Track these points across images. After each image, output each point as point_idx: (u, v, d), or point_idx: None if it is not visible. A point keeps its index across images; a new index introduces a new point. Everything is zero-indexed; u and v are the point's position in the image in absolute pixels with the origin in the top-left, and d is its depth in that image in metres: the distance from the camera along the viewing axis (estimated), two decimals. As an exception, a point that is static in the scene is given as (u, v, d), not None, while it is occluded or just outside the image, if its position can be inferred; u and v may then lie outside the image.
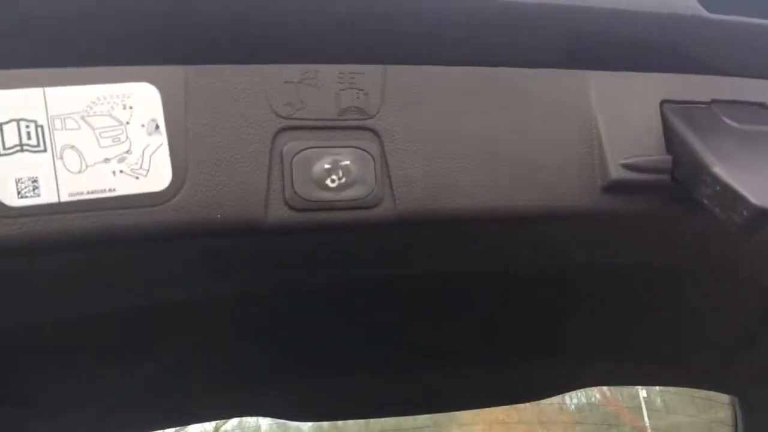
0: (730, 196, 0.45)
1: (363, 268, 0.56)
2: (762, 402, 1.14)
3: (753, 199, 0.44)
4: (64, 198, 0.39)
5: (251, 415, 1.00)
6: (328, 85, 0.44)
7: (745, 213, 0.45)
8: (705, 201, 0.47)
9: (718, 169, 0.46)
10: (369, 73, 0.45)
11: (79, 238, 0.38)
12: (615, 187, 0.48)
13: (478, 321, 0.88)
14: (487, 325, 0.90)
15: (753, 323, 0.95)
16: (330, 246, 0.48)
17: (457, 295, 0.79)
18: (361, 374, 0.93)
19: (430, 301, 0.79)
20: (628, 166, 0.48)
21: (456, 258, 0.56)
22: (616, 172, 0.48)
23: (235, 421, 7.96)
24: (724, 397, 1.31)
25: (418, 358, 0.92)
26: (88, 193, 0.39)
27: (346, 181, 0.44)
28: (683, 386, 1.13)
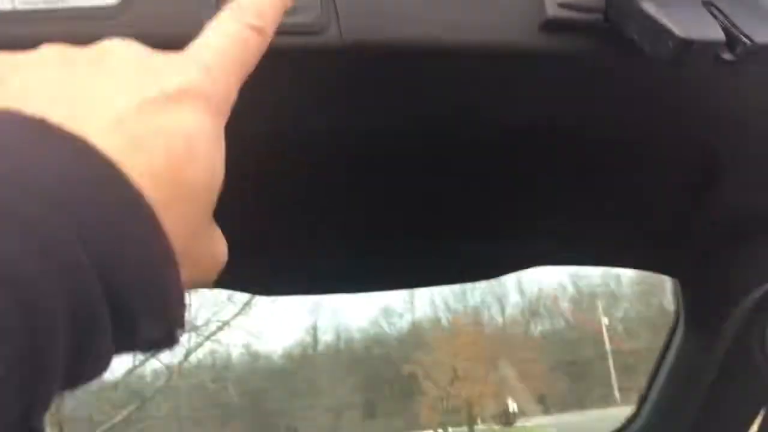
0: (657, 30, 0.49)
1: (310, 112, 0.58)
2: (703, 283, 1.20)
3: (677, 31, 0.48)
4: (19, 6, 0.40)
5: (230, 289, 1.03)
6: None
7: (670, 44, 0.48)
8: (635, 37, 0.50)
9: (647, 5, 0.49)
10: None
11: (34, 45, 0.39)
12: (551, 25, 0.51)
13: (419, 192, 0.90)
14: (429, 198, 0.92)
15: (692, 199, 0.99)
16: (277, 80, 0.50)
17: (399, 161, 0.81)
18: (303, 249, 0.96)
19: (373, 168, 0.81)
20: (563, 5, 0.51)
21: (402, 101, 0.58)
22: (552, 10, 0.51)
23: (206, 348, 8.05)
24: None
25: (360, 233, 0.94)
26: (42, 3, 0.40)
27: (292, 7, 0.46)
28: (624, 267, 1.18)
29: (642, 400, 1.48)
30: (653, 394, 1.45)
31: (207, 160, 0.24)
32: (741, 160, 0.95)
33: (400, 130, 0.70)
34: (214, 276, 0.27)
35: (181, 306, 0.23)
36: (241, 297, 7.75)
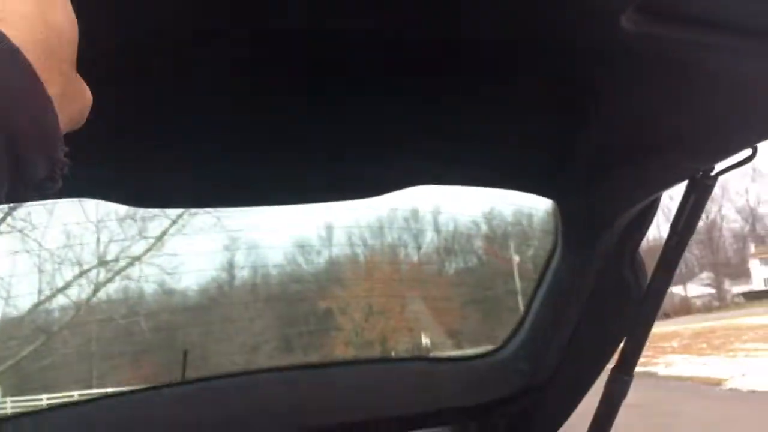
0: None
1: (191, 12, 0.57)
2: (578, 206, 1.26)
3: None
4: None
5: (90, 197, 1.00)
6: None
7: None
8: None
9: None
10: None
11: None
12: None
13: (313, 110, 0.90)
14: (324, 115, 0.92)
15: (569, 125, 1.03)
16: None
17: (299, 78, 0.81)
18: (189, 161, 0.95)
19: (267, 80, 0.80)
20: None
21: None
22: None
23: (117, 285, 7.84)
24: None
25: (250, 147, 0.94)
26: None
27: None
28: (507, 188, 1.22)
29: (521, 320, 1.56)
30: (531, 315, 1.53)
31: (65, 8, 0.28)
32: (610, 93, 0.98)
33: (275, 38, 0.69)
34: (84, 115, 0.32)
35: (60, 146, 0.27)
36: (153, 232, 7.56)
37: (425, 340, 10.63)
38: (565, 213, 1.29)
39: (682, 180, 1.25)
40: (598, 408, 1.41)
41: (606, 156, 1.13)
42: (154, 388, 1.37)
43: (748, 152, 1.21)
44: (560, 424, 1.57)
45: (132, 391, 1.42)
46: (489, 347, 1.52)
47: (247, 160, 0.99)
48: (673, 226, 1.32)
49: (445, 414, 1.50)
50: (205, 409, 1.29)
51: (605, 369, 1.59)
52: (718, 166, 1.27)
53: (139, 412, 1.26)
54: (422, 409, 1.47)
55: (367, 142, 1.02)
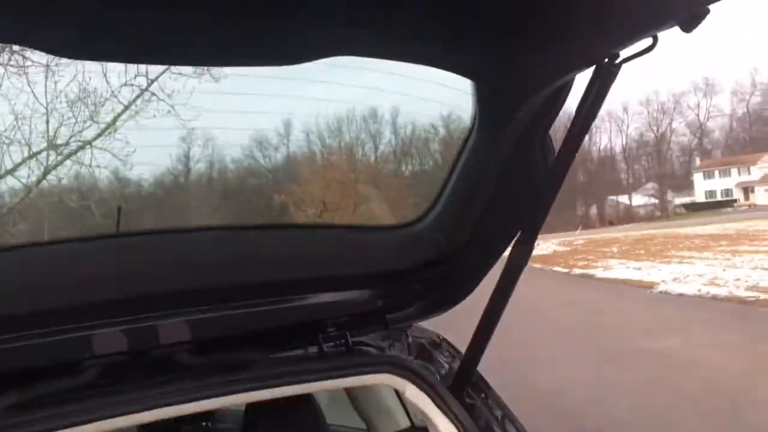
0: None
1: None
2: (495, 84, 1.35)
3: None
4: None
5: (16, 44, 1.04)
6: None
7: None
8: None
9: None
10: None
11: None
12: None
13: None
14: None
15: (483, 3, 1.10)
16: None
17: None
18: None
19: None
20: None
21: None
22: None
23: (69, 170, 7.69)
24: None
25: (171, 3, 0.98)
26: None
27: None
28: (429, 65, 1.30)
29: (439, 192, 1.69)
30: (448, 188, 1.66)
31: None
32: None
33: None
34: None
35: None
36: (105, 117, 7.40)
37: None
38: (480, 92, 1.39)
39: (588, 65, 1.35)
40: (503, 273, 1.57)
41: (517, 36, 1.21)
42: (87, 239, 1.45)
43: (649, 41, 1.31)
44: (473, 288, 1.73)
45: (62, 241, 1.49)
46: (410, 218, 1.65)
47: (168, 16, 1.03)
48: (578, 110, 1.43)
49: (368, 277, 1.63)
50: (136, 261, 1.38)
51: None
52: (623, 54, 1.38)
53: (69, 260, 1.34)
54: (346, 272, 1.60)
55: (290, 6, 1.08)
